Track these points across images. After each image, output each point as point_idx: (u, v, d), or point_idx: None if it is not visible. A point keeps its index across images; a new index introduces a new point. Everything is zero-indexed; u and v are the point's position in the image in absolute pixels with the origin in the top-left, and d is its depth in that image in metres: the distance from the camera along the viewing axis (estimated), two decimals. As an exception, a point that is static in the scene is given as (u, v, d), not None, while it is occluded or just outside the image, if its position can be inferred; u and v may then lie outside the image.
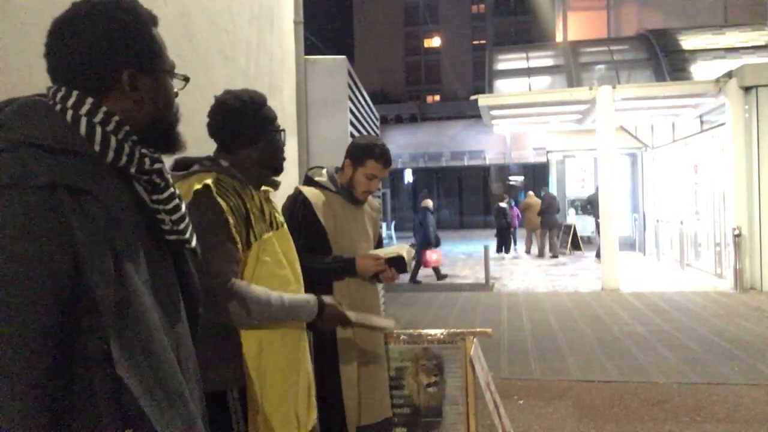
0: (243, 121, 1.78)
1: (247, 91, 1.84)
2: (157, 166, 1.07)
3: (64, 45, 1.00)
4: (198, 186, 1.63)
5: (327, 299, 1.86)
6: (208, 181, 1.64)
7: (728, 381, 4.72)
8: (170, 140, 1.12)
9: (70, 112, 0.98)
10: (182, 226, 1.13)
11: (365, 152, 2.37)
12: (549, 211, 13.96)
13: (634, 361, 5.36)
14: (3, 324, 0.83)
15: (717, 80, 9.59)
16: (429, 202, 11.23)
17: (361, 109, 5.34)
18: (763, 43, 12.60)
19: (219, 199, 1.63)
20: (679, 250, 11.56)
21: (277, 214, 1.85)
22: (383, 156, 2.38)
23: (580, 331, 6.56)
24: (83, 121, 0.97)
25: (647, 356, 5.47)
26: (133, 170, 1.03)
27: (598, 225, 11.59)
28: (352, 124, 4.76)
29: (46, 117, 0.96)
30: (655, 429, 3.86)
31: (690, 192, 11.83)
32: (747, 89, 9.13)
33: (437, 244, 10.81)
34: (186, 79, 1.16)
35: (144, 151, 1.05)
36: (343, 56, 4.81)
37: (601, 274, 9.78)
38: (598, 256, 11.80)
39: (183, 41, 2.67)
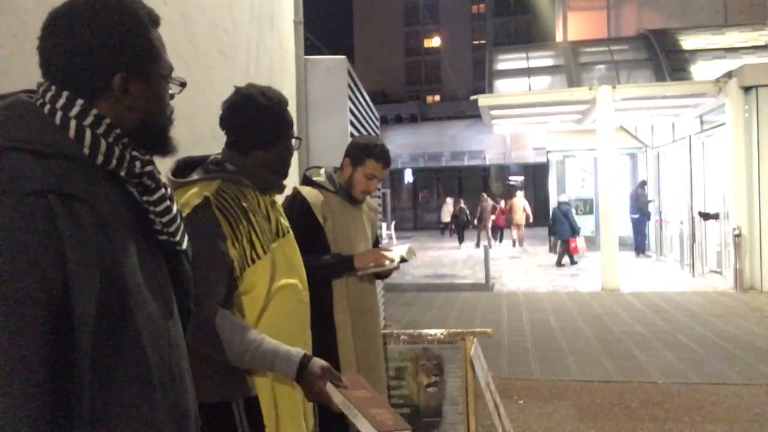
0: (267, 122, 1.70)
1: (272, 90, 1.76)
2: (147, 168, 1.05)
3: (58, 42, 0.98)
4: (197, 200, 1.54)
5: (317, 367, 1.48)
6: (208, 194, 1.56)
7: (728, 381, 4.72)
8: (162, 143, 1.10)
9: (59, 114, 0.96)
10: (173, 228, 1.11)
11: (365, 152, 2.37)
12: (483, 212, 17.91)
13: (634, 361, 5.36)
14: None
15: (717, 80, 9.59)
16: (565, 196, 13.20)
17: (361, 109, 5.33)
18: (763, 43, 12.59)
19: (218, 213, 1.54)
20: (679, 250, 11.56)
21: (282, 220, 1.76)
22: (383, 156, 2.38)
23: (580, 331, 6.56)
24: (73, 123, 0.96)
25: (647, 356, 5.47)
26: (123, 173, 1.01)
27: (633, 220, 13.21)
28: (352, 124, 4.76)
29: (34, 120, 0.94)
30: (655, 429, 3.86)
31: (690, 192, 11.83)
32: (747, 89, 9.12)
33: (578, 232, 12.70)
34: (183, 84, 1.14)
35: (135, 153, 1.03)
36: (343, 56, 4.80)
37: (601, 274, 9.78)
38: (636, 251, 13.44)
39: (183, 41, 2.66)
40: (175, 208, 1.12)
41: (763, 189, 8.95)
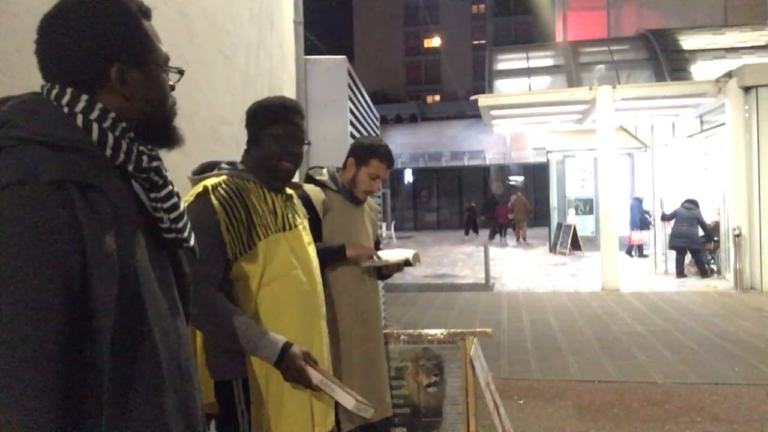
0: (250, 121, 1.84)
1: (279, 98, 1.89)
2: (155, 164, 1.05)
3: (53, 41, 0.99)
4: (199, 190, 1.67)
5: (297, 350, 1.62)
6: (208, 183, 1.69)
7: (728, 381, 4.72)
8: (167, 135, 1.10)
9: (66, 110, 0.96)
10: (180, 224, 1.11)
11: (370, 152, 2.38)
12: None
13: (634, 361, 5.36)
14: (15, 323, 0.81)
15: (717, 80, 9.59)
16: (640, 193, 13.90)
17: (361, 109, 5.32)
18: (763, 43, 12.60)
19: (214, 200, 1.65)
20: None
21: (294, 215, 1.85)
22: (387, 156, 2.41)
23: (580, 331, 6.56)
24: (80, 118, 0.96)
25: (647, 356, 5.47)
26: (131, 168, 1.01)
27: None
28: (352, 124, 4.75)
29: (48, 114, 0.95)
30: (655, 429, 3.86)
31: (690, 192, 11.83)
32: (747, 89, 9.13)
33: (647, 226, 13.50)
34: (180, 72, 1.13)
35: (142, 148, 1.03)
36: (343, 56, 4.80)
37: (601, 274, 9.78)
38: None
39: (183, 41, 2.66)
40: (182, 205, 1.12)
41: (763, 189, 8.95)
